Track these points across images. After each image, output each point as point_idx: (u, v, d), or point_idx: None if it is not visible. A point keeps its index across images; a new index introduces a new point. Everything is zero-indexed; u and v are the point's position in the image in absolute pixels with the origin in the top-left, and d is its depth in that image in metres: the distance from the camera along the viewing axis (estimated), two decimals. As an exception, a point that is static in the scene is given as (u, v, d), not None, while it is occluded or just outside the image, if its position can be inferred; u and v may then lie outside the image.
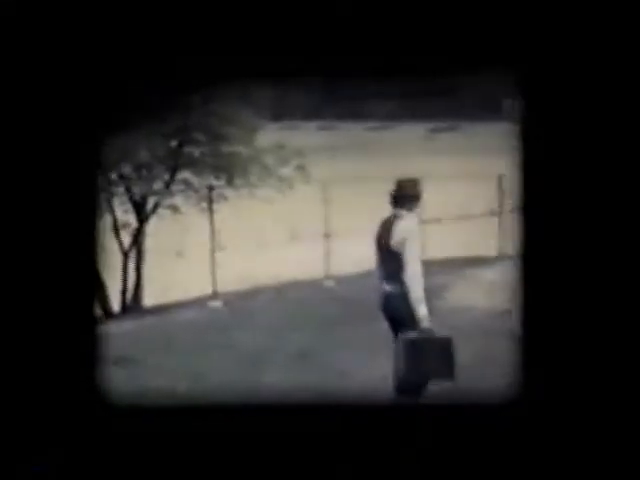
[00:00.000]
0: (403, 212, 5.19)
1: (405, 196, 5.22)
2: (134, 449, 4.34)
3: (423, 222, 5.54)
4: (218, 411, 4.62)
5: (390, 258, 5.09)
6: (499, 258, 12.13)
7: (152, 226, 12.14)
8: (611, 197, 4.53)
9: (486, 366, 6.65)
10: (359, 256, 11.93)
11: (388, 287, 5.12)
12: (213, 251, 11.17)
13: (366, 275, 11.83)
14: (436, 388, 5.09)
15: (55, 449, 4.21)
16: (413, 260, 5.06)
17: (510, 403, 4.54)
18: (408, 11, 4.44)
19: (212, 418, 4.53)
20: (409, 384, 4.93)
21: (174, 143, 11.86)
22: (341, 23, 4.37)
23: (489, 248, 12.39)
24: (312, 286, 11.30)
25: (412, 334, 4.91)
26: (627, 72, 4.50)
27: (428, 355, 4.91)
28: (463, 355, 6.03)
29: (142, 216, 12.05)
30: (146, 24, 4.55)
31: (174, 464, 4.39)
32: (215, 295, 10.93)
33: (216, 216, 11.26)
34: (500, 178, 13.04)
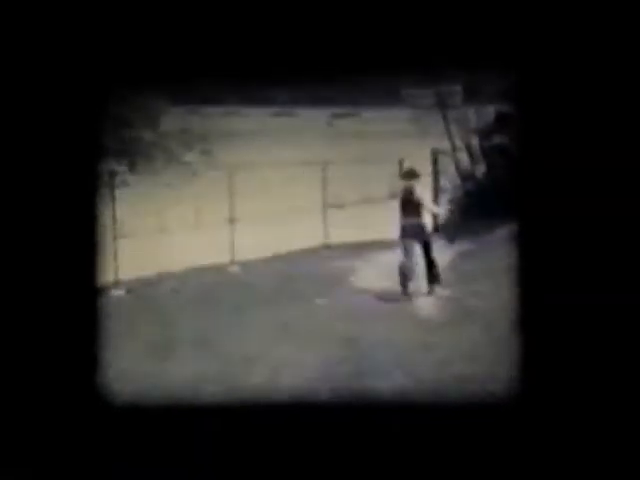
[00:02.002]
0: (414, 183, 9.60)
1: (412, 174, 9.67)
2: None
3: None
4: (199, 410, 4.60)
5: (410, 207, 9.51)
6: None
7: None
8: (609, 192, 4.56)
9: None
10: (263, 242, 11.98)
11: (405, 222, 9.52)
12: (115, 238, 11.04)
13: (270, 260, 11.89)
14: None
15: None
16: (429, 204, 10.02)
17: (510, 403, 4.60)
18: (408, 12, 4.47)
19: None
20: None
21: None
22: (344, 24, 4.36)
23: (390, 232, 12.57)
24: (217, 272, 11.29)
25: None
26: (626, 74, 4.54)
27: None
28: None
29: (41, 202, 11.78)
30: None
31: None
32: (118, 283, 10.82)
33: (118, 202, 11.12)
34: (400, 162, 13.24)
